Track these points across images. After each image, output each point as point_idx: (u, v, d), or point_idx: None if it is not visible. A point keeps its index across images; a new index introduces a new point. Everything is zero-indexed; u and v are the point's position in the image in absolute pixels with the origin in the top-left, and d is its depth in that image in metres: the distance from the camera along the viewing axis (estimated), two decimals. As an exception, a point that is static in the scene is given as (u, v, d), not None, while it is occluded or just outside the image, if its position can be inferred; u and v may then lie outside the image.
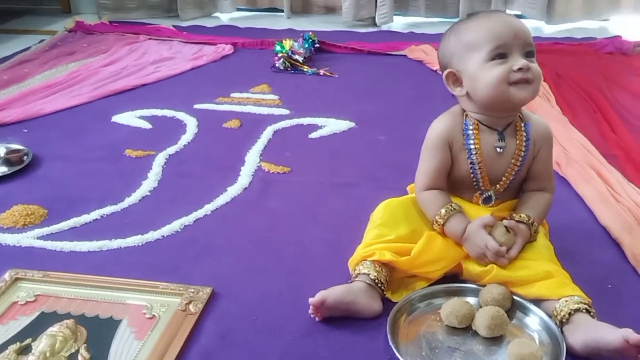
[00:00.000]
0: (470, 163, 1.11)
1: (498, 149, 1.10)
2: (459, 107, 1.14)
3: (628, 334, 0.89)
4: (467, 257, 1.10)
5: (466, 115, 1.12)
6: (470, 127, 1.11)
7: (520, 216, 1.10)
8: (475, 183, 1.13)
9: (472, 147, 1.10)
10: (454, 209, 1.11)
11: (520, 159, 1.11)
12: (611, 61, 2.41)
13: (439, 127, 1.13)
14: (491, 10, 0.92)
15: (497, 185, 1.13)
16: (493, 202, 1.15)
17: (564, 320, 0.96)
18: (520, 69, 1.03)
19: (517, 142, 1.11)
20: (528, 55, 1.06)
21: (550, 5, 2.92)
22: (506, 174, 1.12)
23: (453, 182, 1.16)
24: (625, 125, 1.78)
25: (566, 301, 0.98)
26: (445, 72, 1.12)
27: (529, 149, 1.12)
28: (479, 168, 1.11)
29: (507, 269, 1.06)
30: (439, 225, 1.11)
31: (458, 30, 1.11)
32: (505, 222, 1.09)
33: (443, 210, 1.10)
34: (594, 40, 2.64)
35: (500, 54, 1.05)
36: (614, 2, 2.96)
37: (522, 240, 1.09)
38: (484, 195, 1.15)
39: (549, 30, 2.93)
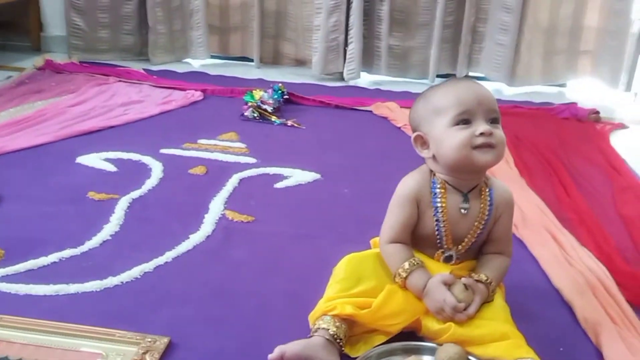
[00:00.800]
0: (436, 221, 1.15)
1: (462, 210, 1.14)
2: (427, 166, 1.18)
3: None
4: (426, 313, 1.12)
5: (434, 174, 1.16)
6: (438, 186, 1.15)
7: (480, 276, 1.13)
8: (438, 241, 1.17)
9: (439, 205, 1.14)
10: (417, 263, 1.14)
11: (483, 222, 1.16)
12: (567, 126, 2.50)
13: (409, 183, 1.18)
14: (460, 78, 0.99)
15: (460, 246, 1.17)
16: (454, 261, 1.18)
17: (517, 381, 0.98)
18: (482, 134, 1.08)
19: (482, 205, 1.15)
20: (492, 121, 1.11)
21: (512, 68, 3.04)
22: (469, 236, 1.16)
23: (417, 239, 1.19)
24: (578, 189, 1.85)
25: (520, 362, 1.00)
26: (414, 135, 1.17)
27: (492, 213, 1.16)
28: (444, 227, 1.15)
29: (464, 327, 1.08)
30: (401, 278, 1.13)
31: (427, 96, 1.17)
32: (464, 279, 1.12)
33: (406, 264, 1.13)
34: (552, 106, 2.75)
35: (464, 120, 1.10)
36: (571, 67, 3.10)
37: (480, 299, 1.11)
38: (446, 254, 1.18)
39: (510, 92, 3.05)
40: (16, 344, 1.06)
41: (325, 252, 1.38)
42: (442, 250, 1.17)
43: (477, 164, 1.11)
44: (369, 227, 1.32)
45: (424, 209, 1.16)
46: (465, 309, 1.09)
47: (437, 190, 1.15)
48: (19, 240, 1.42)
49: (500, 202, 1.17)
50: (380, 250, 1.20)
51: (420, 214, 1.16)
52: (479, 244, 1.19)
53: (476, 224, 1.15)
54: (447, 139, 1.11)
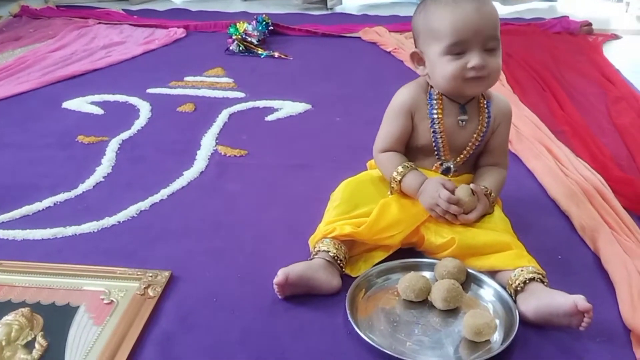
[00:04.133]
0: (433, 132, 1.14)
1: (460, 122, 1.14)
2: (424, 79, 1.16)
3: (579, 299, 0.92)
4: (425, 225, 1.11)
5: (431, 86, 1.15)
6: (435, 98, 1.14)
7: (480, 187, 1.13)
8: (436, 152, 1.16)
9: (435, 116, 1.13)
10: (411, 166, 1.14)
11: (482, 134, 1.15)
12: (559, 41, 2.47)
13: (403, 94, 1.17)
14: None
15: (458, 158, 1.16)
16: (452, 173, 1.18)
17: (518, 288, 0.99)
18: (474, 67, 1.05)
19: (480, 118, 1.15)
20: (490, 48, 1.07)
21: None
22: (467, 148, 1.15)
23: (414, 151, 1.19)
24: (572, 103, 1.83)
25: (521, 271, 1.01)
26: (411, 52, 1.15)
27: (490, 124, 1.16)
28: (441, 137, 1.14)
29: (466, 238, 1.08)
30: (396, 182, 1.13)
31: (427, 9, 1.11)
32: (472, 185, 1.12)
33: (400, 168, 1.13)
34: (543, 21, 2.70)
35: (458, 50, 1.06)
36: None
37: (482, 208, 1.11)
38: (444, 166, 1.18)
39: (504, 10, 2.99)
40: (18, 287, 1.06)
41: (321, 180, 1.38)
42: (440, 162, 1.17)
43: (467, 94, 1.11)
44: (363, 153, 1.31)
45: (420, 121, 1.15)
46: (467, 215, 1.09)
47: (434, 102, 1.13)
48: (11, 187, 1.41)
49: (498, 113, 1.17)
50: (376, 166, 1.20)
51: (416, 125, 1.16)
52: (477, 155, 1.19)
53: (475, 135, 1.15)
54: (439, 67, 1.09)
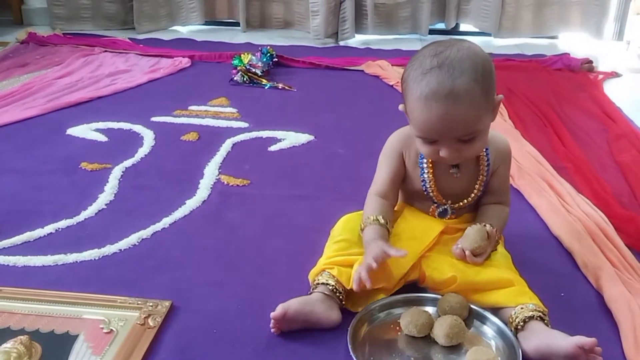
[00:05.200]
0: (422, 181, 1.14)
1: (454, 173, 1.13)
2: None
3: (582, 341, 0.91)
4: (427, 260, 1.11)
5: None
6: None
7: (485, 226, 1.12)
8: (428, 198, 1.16)
9: (425, 165, 1.13)
10: (377, 221, 1.11)
11: (483, 184, 1.15)
12: (560, 77, 2.49)
13: (395, 139, 1.17)
14: (443, 83, 0.88)
15: (456, 205, 1.16)
16: (449, 216, 1.18)
17: (519, 327, 0.99)
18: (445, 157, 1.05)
19: (480, 167, 1.14)
20: (465, 139, 1.02)
21: (499, 19, 3.02)
22: (469, 198, 1.15)
23: (410, 194, 1.19)
24: (574, 139, 1.84)
25: (522, 308, 1.00)
26: (400, 106, 1.10)
27: (490, 171, 1.15)
28: (431, 187, 1.14)
29: (469, 275, 1.07)
30: (360, 229, 1.13)
31: (407, 83, 1.04)
32: (488, 227, 1.11)
33: (366, 218, 1.12)
34: (544, 57, 2.73)
35: (429, 141, 1.04)
36: (562, 20, 3.07)
37: (490, 249, 1.11)
38: (440, 209, 1.17)
39: (499, 43, 3.04)
40: (17, 315, 1.05)
41: (322, 212, 1.38)
42: (436, 204, 1.17)
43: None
44: (365, 185, 1.29)
45: (412, 166, 1.15)
46: (476, 257, 1.08)
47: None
48: (14, 213, 1.41)
49: (496, 157, 1.15)
50: None
51: (408, 169, 1.15)
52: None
53: (477, 186, 1.14)
54: (416, 142, 1.08)
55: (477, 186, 1.14)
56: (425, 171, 1.13)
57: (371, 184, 1.19)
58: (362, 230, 1.13)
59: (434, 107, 0.99)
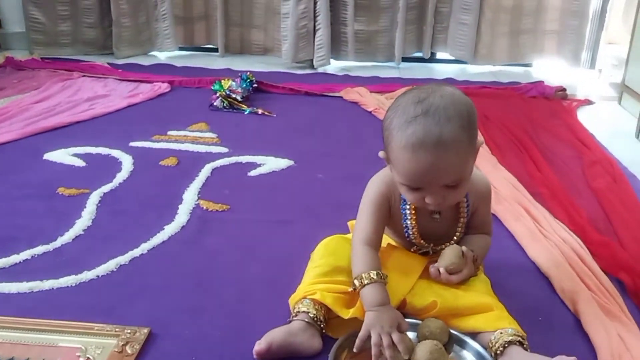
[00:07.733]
0: (405, 227, 1.15)
1: (435, 219, 1.13)
2: None
3: None
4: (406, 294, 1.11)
5: None
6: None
7: (469, 251, 1.13)
8: (409, 241, 1.17)
9: (408, 212, 1.13)
10: (379, 277, 1.05)
11: (463, 226, 1.16)
12: (535, 104, 2.54)
13: (380, 183, 1.13)
14: (428, 129, 0.89)
15: (438, 247, 1.16)
16: (431, 254, 1.19)
17: (498, 352, 0.99)
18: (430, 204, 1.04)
19: (460, 211, 1.14)
20: (450, 185, 1.02)
21: (475, 47, 3.09)
22: (451, 241, 1.15)
23: (393, 233, 1.20)
24: (549, 165, 1.87)
25: (501, 333, 1.01)
26: (380, 153, 1.09)
27: (469, 213, 1.15)
28: (413, 233, 1.15)
29: (448, 299, 1.08)
30: (357, 286, 1.05)
31: (390, 130, 1.02)
32: (464, 248, 1.11)
33: (367, 274, 1.05)
34: (519, 85, 2.79)
35: (414, 188, 1.04)
36: (537, 47, 3.15)
37: (467, 273, 1.11)
38: (422, 250, 1.18)
39: (474, 70, 3.10)
40: (-9, 343, 1.03)
41: (302, 237, 1.38)
42: (418, 247, 1.18)
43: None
44: (345, 210, 1.31)
45: (396, 211, 1.14)
46: (450, 276, 1.09)
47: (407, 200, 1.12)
48: (-12, 239, 1.38)
49: (475, 198, 1.15)
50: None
51: (393, 212, 1.14)
52: None
53: (459, 229, 1.15)
54: (400, 187, 1.07)
55: (459, 229, 1.15)
56: (409, 217, 1.13)
57: (355, 229, 1.14)
58: (356, 288, 1.05)
59: (422, 155, 0.98)
